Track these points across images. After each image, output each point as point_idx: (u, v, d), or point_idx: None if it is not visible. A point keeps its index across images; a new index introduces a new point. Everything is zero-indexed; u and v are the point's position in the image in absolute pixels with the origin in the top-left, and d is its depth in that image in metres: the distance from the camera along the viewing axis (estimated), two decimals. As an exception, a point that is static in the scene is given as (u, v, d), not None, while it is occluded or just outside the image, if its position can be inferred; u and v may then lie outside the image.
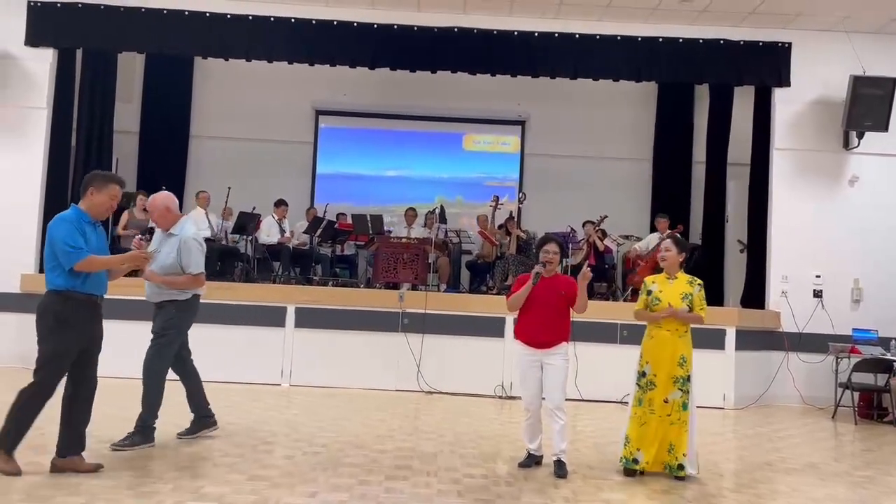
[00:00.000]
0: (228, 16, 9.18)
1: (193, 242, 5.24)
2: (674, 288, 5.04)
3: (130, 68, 11.33)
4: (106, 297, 4.64)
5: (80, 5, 9.10)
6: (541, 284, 5.02)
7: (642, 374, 5.02)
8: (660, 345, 4.98)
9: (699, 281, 5.14)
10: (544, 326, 4.97)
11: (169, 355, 5.34)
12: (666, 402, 4.91)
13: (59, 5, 9.11)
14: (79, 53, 9.62)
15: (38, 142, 9.11)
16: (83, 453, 4.46)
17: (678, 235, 5.35)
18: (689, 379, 4.95)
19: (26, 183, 8.88)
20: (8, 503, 3.82)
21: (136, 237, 4.78)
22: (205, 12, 9.16)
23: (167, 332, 5.27)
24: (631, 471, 4.97)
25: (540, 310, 5.00)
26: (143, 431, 5.12)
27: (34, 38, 9.12)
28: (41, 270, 5.05)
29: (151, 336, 5.33)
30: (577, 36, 9.30)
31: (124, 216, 9.54)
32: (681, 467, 4.86)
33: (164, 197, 5.35)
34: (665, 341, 4.97)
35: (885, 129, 8.87)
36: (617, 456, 5.55)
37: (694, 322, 5.07)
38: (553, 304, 4.97)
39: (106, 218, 4.70)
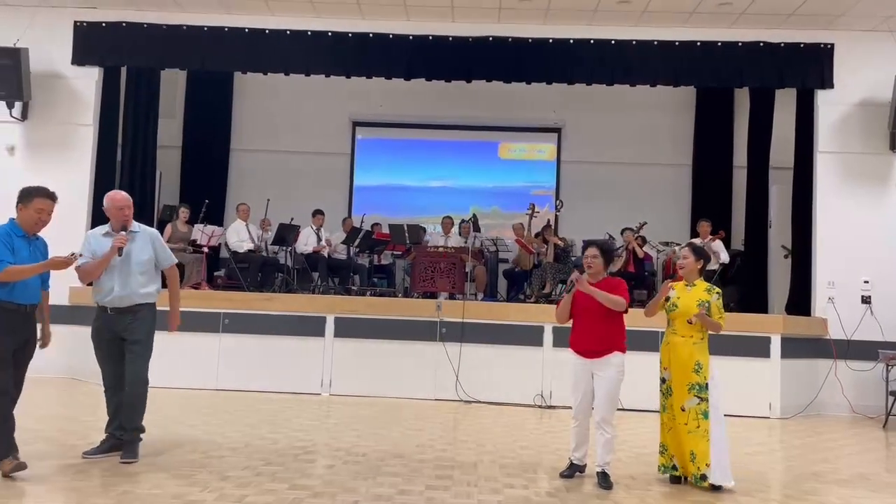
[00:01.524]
0: (267, 31, 9.35)
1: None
2: (691, 295, 4.98)
3: (173, 85, 11.60)
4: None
5: (124, 24, 9.36)
6: (584, 292, 4.96)
7: (662, 381, 5.05)
8: (674, 350, 4.94)
9: (717, 290, 5.04)
10: (589, 334, 4.92)
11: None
12: (683, 409, 4.85)
13: (103, 25, 9.39)
14: (123, 71, 9.88)
15: (85, 158, 9.38)
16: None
17: (696, 243, 5.34)
18: (706, 387, 4.83)
19: (74, 198, 9.11)
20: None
21: (77, 253, 4.75)
22: (244, 28, 9.35)
23: (150, 339, 5.16)
24: (676, 478, 4.95)
25: (584, 317, 4.96)
26: (136, 441, 5.08)
27: (81, 57, 9.41)
28: (89, 283, 5.19)
29: (130, 344, 5.04)
30: (613, 42, 9.25)
31: (168, 228, 9.75)
32: (703, 477, 4.76)
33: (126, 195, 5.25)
34: (679, 346, 4.92)
35: (934, 129, 8.62)
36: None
37: (713, 328, 4.93)
38: (596, 310, 4.89)
39: (38, 231, 4.64)
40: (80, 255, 4.91)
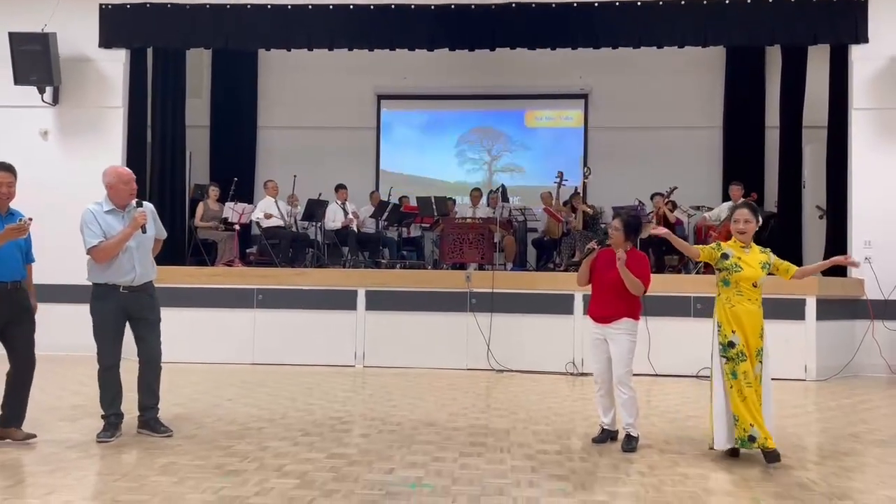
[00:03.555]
0: (289, 6, 9.33)
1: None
2: (751, 257, 4.77)
3: (199, 65, 11.69)
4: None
5: (148, 5, 9.41)
6: (604, 260, 5.01)
7: (730, 345, 4.68)
8: (746, 314, 4.66)
9: (768, 249, 4.90)
10: (605, 301, 4.98)
11: None
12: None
13: (128, 7, 9.45)
14: (149, 53, 9.97)
15: (116, 140, 9.51)
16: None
17: (753, 203, 5.07)
18: (763, 351, 4.74)
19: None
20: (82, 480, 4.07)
21: (27, 218, 4.73)
22: (266, 4, 9.35)
23: (160, 314, 5.15)
24: (735, 450, 4.69)
25: (602, 285, 5.03)
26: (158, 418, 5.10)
27: (107, 39, 9.49)
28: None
29: (152, 323, 5.04)
30: (639, 3, 9.05)
31: (200, 207, 9.89)
32: (752, 439, 4.60)
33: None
34: (751, 310, 4.67)
35: (975, 80, 8.34)
36: (698, 431, 5.49)
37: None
38: (615, 279, 4.91)
39: (4, 206, 4.68)
40: (30, 220, 4.69)
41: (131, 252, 4.90)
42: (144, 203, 5.06)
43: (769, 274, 4.79)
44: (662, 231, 5.00)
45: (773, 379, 4.75)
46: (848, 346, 8.42)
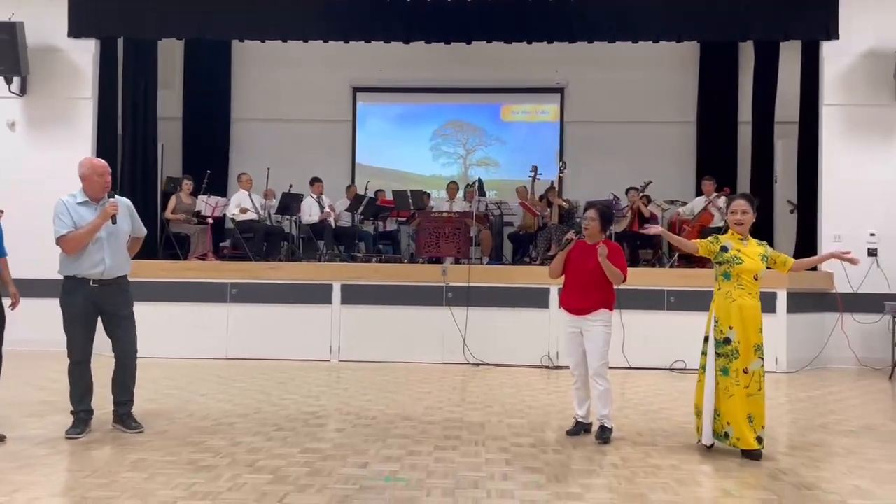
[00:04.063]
0: (263, -3, 9.23)
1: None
2: (750, 250, 4.66)
3: (171, 55, 11.53)
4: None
5: (118, -6, 9.25)
6: (580, 251, 5.03)
7: (726, 341, 4.60)
8: (744, 310, 4.59)
9: (764, 241, 4.85)
10: (581, 293, 4.98)
11: None
12: (745, 372, 4.57)
13: (98, -4, 9.28)
14: (120, 43, 9.80)
15: (85, 132, 9.34)
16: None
17: (750, 195, 4.96)
18: (762, 346, 4.67)
19: (76, 173, 9.10)
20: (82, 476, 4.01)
21: None
22: (239, -5, 9.23)
23: (132, 309, 5.07)
24: (752, 450, 4.55)
25: (578, 277, 5.03)
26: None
27: (77, 29, 9.31)
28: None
29: (124, 318, 4.96)
30: (614, -2, 9.10)
31: (172, 200, 9.76)
32: (759, 440, 4.56)
33: None
34: (749, 305, 4.59)
35: (942, 78, 8.50)
36: (671, 423, 5.54)
37: (615, 280, 4.86)
38: (590, 270, 4.94)
39: None
40: (1, 212, 4.64)
41: (102, 242, 4.81)
42: (121, 199, 4.98)
43: (767, 268, 4.74)
44: (657, 229, 4.96)
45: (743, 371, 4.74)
46: (818, 338, 8.56)
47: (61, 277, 4.89)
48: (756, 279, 4.66)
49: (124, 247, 5.01)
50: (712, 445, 4.72)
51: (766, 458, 4.56)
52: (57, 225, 4.75)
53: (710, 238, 4.81)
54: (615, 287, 5.02)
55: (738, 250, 4.65)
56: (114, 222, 4.82)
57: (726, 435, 4.60)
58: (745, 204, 4.74)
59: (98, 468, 4.16)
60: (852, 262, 4.80)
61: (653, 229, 4.99)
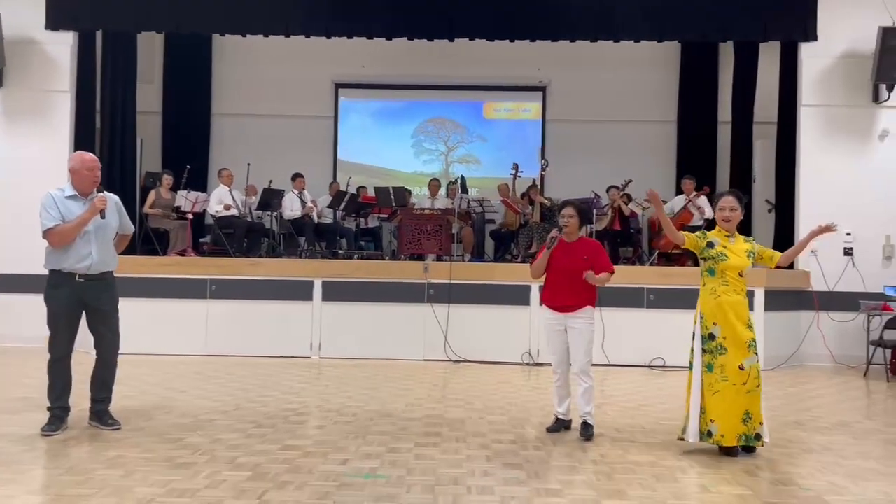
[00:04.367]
0: (244, -9, 9.16)
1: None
2: (736, 247, 4.65)
3: (150, 49, 11.40)
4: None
5: (97, -13, 9.14)
6: (562, 249, 5.05)
7: (710, 337, 4.59)
8: (730, 305, 4.56)
9: (752, 238, 4.87)
10: (566, 290, 5.00)
11: None
12: (741, 368, 4.51)
13: (76, -13, 9.16)
14: (99, 36, 9.68)
15: (63, 125, 9.22)
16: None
17: (738, 191, 4.96)
18: (755, 342, 4.65)
19: (53, 167, 8.97)
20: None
21: None
22: (220, -12, 9.15)
23: (118, 305, 5.03)
24: (729, 447, 4.54)
25: (562, 274, 5.04)
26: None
27: (54, 21, 9.18)
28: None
29: (109, 314, 4.91)
30: (597, -3, 9.13)
31: (151, 195, 9.66)
32: (758, 437, 4.55)
33: None
34: (734, 301, 4.57)
35: (917, 80, 8.63)
36: (649, 420, 5.59)
37: (602, 283, 4.93)
38: (574, 267, 4.98)
39: None
40: None
41: (89, 236, 4.77)
42: (110, 195, 4.95)
43: (754, 264, 4.75)
44: (654, 197, 4.84)
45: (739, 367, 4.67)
46: (794, 336, 8.67)
47: (38, 273, 4.82)
48: (741, 276, 4.66)
49: (111, 242, 4.98)
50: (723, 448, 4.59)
51: (743, 454, 4.61)
52: (44, 218, 4.71)
53: (697, 233, 4.80)
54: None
55: (725, 247, 4.64)
56: (102, 217, 4.79)
57: (709, 433, 4.56)
58: (733, 201, 4.73)
59: (74, 465, 4.12)
60: (830, 229, 4.81)
61: (651, 196, 4.88)
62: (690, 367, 4.74)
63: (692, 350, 4.74)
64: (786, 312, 8.59)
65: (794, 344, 8.62)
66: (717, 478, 4.16)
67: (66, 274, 4.76)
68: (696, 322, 4.72)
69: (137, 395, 6.07)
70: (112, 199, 4.94)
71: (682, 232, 4.82)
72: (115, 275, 5.01)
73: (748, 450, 4.60)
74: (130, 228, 5.19)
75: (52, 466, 4.14)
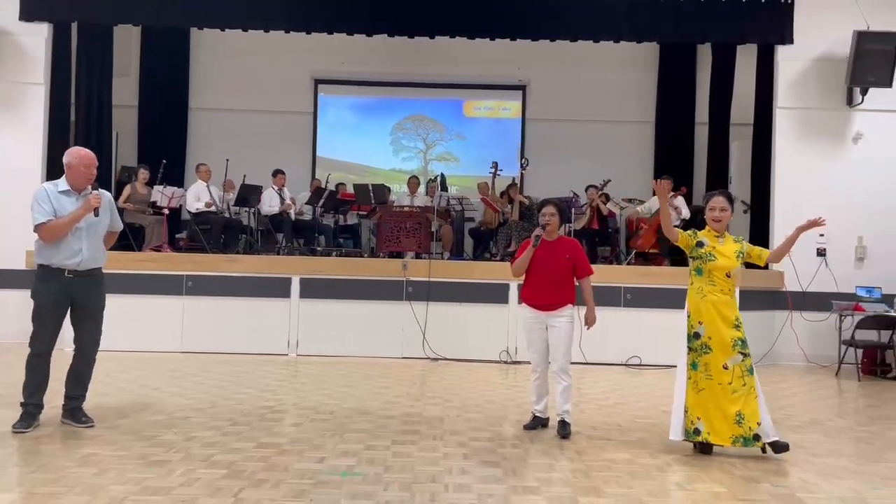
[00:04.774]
0: (223, -15, 9.07)
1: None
2: (725, 248, 4.66)
3: (127, 42, 11.26)
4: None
5: (72, -23, 9.00)
6: (543, 248, 5.07)
7: (695, 336, 4.62)
8: (715, 304, 4.58)
9: (741, 237, 4.89)
10: (548, 289, 5.03)
11: None
12: (725, 367, 4.52)
13: (51, -22, 9.01)
14: (74, 27, 9.53)
15: (36, 118, 9.08)
16: None
17: (728, 192, 4.93)
18: (746, 342, 4.61)
19: (27, 160, 8.84)
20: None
21: None
22: (199, -18, 9.06)
23: (104, 305, 5.01)
24: (703, 443, 4.56)
25: (543, 273, 5.06)
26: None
27: (28, 12, 9.02)
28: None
29: (94, 311, 4.89)
30: (577, -3, 9.18)
31: (126, 190, 9.53)
32: (756, 437, 4.50)
33: None
34: (720, 300, 4.58)
35: (889, 84, 8.77)
36: (625, 418, 5.63)
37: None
38: (556, 266, 5.02)
39: None
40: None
41: (80, 233, 4.76)
42: (103, 192, 4.93)
43: (745, 264, 4.76)
44: (665, 190, 4.73)
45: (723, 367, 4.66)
46: (768, 335, 8.78)
47: (10, 267, 4.77)
48: (729, 276, 4.66)
49: (101, 239, 4.96)
50: (709, 448, 4.60)
51: (717, 452, 4.65)
52: (36, 212, 4.68)
53: (689, 231, 4.77)
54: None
55: (713, 247, 4.65)
56: (96, 215, 4.78)
57: (696, 431, 4.55)
58: (723, 201, 4.73)
59: (46, 463, 4.05)
60: (818, 223, 4.82)
61: (661, 188, 4.74)
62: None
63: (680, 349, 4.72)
64: (760, 312, 8.70)
65: (767, 343, 8.73)
66: (692, 475, 4.20)
67: (56, 269, 4.74)
68: (684, 322, 4.71)
69: (112, 392, 6.00)
70: (105, 197, 4.93)
71: (676, 229, 4.79)
72: None
73: (775, 447, 4.51)
74: (119, 226, 5.20)
75: (23, 464, 4.08)
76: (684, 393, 4.61)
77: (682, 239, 4.72)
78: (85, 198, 4.76)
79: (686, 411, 4.59)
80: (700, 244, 4.69)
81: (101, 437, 4.60)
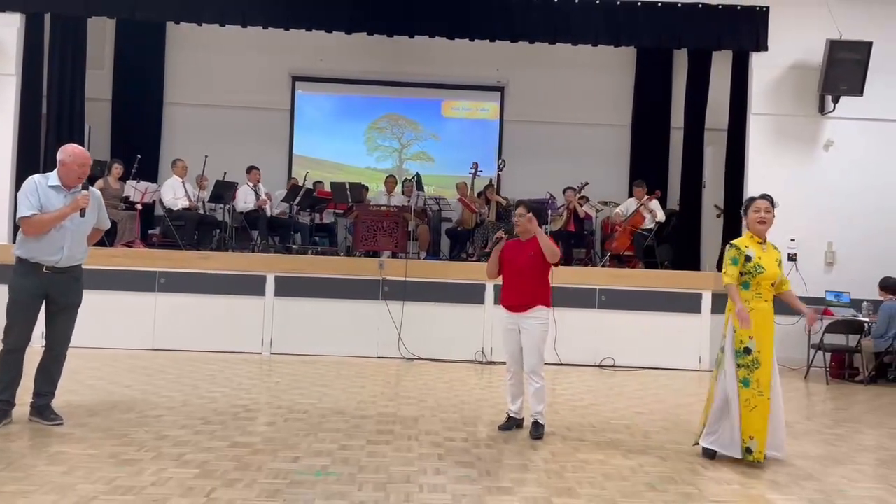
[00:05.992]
0: (201, -22, 8.97)
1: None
2: (769, 255, 4.53)
3: (101, 34, 11.09)
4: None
5: (46, -33, 8.84)
6: (514, 249, 5.12)
7: (746, 351, 4.47)
8: (765, 318, 4.48)
9: (778, 248, 4.74)
10: (517, 289, 5.07)
11: None
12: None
13: (24, -33, 8.84)
14: (47, 18, 9.36)
15: (7, 110, 8.91)
16: None
17: (771, 196, 4.80)
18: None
19: (-2, 152, 8.71)
20: (-12, 473, 3.82)
21: None
22: (176, -25, 8.95)
23: (80, 303, 4.95)
24: (711, 452, 4.54)
25: (513, 273, 5.11)
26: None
27: (0, 1, 8.84)
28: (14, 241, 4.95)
29: (69, 307, 4.85)
30: (556, 0, 9.21)
31: (99, 184, 9.36)
32: (748, 451, 4.49)
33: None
34: (768, 315, 4.48)
35: (861, 93, 8.93)
36: (598, 418, 5.67)
37: (551, 255, 4.89)
38: (525, 266, 5.04)
39: None
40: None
41: (65, 231, 4.71)
42: (93, 191, 4.89)
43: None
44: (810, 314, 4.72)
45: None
46: (739, 338, 8.88)
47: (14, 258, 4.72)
48: (773, 285, 4.57)
49: (85, 238, 4.91)
50: (713, 454, 4.59)
51: (690, 453, 4.72)
52: (23, 204, 4.64)
53: (733, 254, 4.57)
54: (551, 284, 5.12)
55: (759, 258, 4.52)
56: (82, 215, 4.73)
57: (749, 450, 4.46)
58: (767, 203, 4.63)
59: (14, 461, 3.98)
60: (812, 321, 4.90)
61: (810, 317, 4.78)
62: (715, 377, 4.67)
63: (718, 360, 4.67)
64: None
65: (739, 346, 8.82)
66: (663, 476, 4.24)
67: (34, 264, 4.69)
68: (724, 335, 4.62)
69: (82, 390, 5.91)
70: (95, 197, 4.89)
71: (725, 275, 4.58)
72: None
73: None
74: (107, 224, 5.15)
75: (-11, 463, 4.00)
76: (724, 404, 4.52)
77: (734, 276, 4.53)
78: (73, 196, 4.72)
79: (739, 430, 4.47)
80: (748, 258, 4.53)
81: (71, 436, 4.53)
